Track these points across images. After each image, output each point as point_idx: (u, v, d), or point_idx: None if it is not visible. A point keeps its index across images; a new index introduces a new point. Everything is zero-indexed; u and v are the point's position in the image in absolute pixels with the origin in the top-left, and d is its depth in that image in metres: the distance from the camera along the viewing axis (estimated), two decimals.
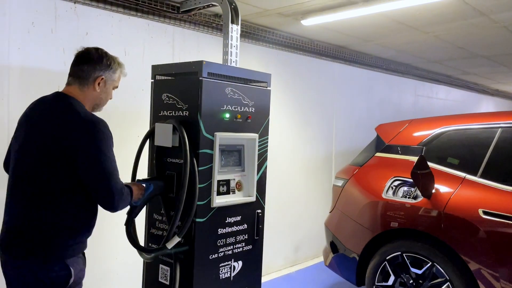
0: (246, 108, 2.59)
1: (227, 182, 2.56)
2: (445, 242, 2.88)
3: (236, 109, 2.54)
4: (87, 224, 1.95)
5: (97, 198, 1.88)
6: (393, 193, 3.18)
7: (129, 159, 2.58)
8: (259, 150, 2.68)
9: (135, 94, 3.28)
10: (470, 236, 2.81)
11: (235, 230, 2.59)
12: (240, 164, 2.66)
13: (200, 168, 2.36)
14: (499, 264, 2.67)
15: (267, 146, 2.75)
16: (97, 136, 1.83)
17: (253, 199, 2.66)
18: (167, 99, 2.54)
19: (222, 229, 2.52)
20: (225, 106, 2.47)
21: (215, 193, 2.44)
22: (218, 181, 2.48)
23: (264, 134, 2.72)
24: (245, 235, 2.66)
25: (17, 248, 1.82)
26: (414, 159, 3.07)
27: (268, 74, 2.78)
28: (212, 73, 2.41)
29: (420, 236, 3.03)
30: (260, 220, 2.72)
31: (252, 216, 2.69)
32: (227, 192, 2.56)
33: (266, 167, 2.75)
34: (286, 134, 4.68)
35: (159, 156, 2.57)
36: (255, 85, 2.69)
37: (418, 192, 3.02)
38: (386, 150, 3.51)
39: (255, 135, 2.65)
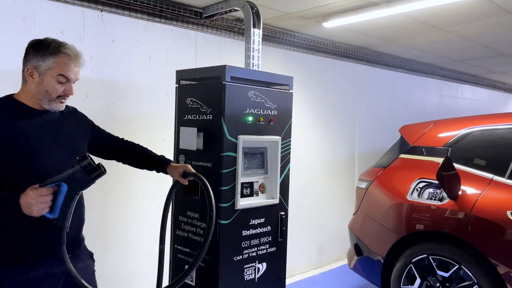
0: (269, 111, 2.62)
1: (250, 185, 2.59)
2: (472, 244, 2.83)
3: (259, 112, 2.56)
4: None
5: None
6: (418, 195, 3.14)
7: None
8: (282, 152, 2.70)
9: (160, 98, 3.35)
10: (498, 239, 2.76)
11: (259, 232, 2.61)
12: (263, 166, 2.68)
13: (224, 171, 2.39)
14: None
15: (289, 148, 2.77)
16: None
17: (276, 201, 2.68)
18: (191, 103, 2.59)
19: (246, 231, 2.55)
20: (248, 109, 2.50)
21: (238, 195, 2.47)
22: (242, 183, 2.51)
23: (286, 136, 2.74)
24: (269, 237, 2.68)
25: None
26: (440, 160, 3.03)
27: (290, 77, 2.79)
28: (235, 77, 2.45)
29: (446, 238, 2.99)
30: (284, 222, 2.74)
31: (276, 218, 2.71)
32: (251, 194, 2.59)
33: (289, 169, 2.77)
34: (308, 136, 4.68)
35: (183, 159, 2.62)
36: (277, 88, 2.71)
37: (444, 194, 2.98)
38: (410, 151, 3.47)
39: (277, 138, 2.67)
